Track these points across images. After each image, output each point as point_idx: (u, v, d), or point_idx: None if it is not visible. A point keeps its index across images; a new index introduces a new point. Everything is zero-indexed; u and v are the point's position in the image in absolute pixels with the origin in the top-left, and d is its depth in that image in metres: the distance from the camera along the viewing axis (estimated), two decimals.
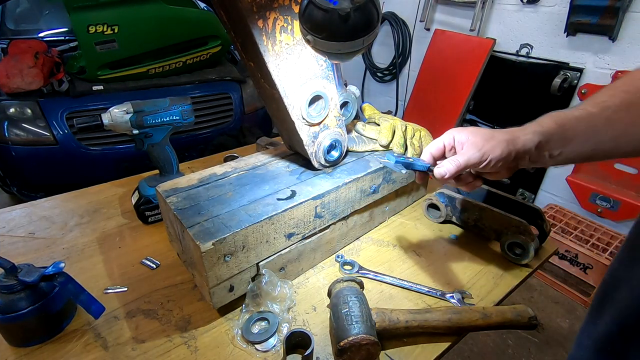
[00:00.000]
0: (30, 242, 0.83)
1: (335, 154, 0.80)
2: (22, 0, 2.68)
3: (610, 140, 0.50)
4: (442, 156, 0.61)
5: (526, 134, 0.53)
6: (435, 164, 0.59)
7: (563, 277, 1.98)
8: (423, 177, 0.63)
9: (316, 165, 0.79)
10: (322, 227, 0.75)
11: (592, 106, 0.50)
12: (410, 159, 0.63)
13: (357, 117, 0.92)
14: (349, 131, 0.89)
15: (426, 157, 0.61)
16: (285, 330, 0.63)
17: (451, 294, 0.71)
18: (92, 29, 1.90)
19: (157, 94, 2.17)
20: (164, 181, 0.73)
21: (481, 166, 0.54)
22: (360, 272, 0.76)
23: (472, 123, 2.52)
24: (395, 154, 0.67)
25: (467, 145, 0.56)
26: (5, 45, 2.08)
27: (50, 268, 0.60)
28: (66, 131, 1.96)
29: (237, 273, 0.63)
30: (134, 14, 1.99)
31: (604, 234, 1.95)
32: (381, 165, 0.81)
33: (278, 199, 0.68)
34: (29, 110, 1.94)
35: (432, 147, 0.61)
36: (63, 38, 2.44)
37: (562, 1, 1.97)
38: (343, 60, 0.62)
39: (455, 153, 0.58)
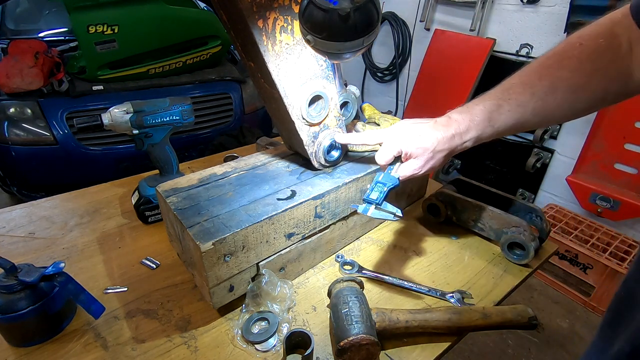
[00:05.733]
0: (30, 242, 0.83)
1: (335, 154, 0.80)
2: (22, 0, 2.68)
3: (534, 124, 0.57)
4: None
5: (466, 140, 0.60)
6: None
7: (563, 277, 1.98)
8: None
9: (316, 165, 0.78)
10: (322, 227, 0.75)
11: (521, 93, 0.57)
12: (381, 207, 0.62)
13: (357, 117, 0.92)
14: (349, 131, 0.88)
15: (383, 162, 0.64)
16: (285, 330, 0.63)
17: (451, 294, 0.71)
18: (92, 29, 1.90)
19: (157, 94, 2.17)
20: (164, 181, 0.73)
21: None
22: (360, 272, 0.76)
23: None
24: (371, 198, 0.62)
25: (416, 156, 0.62)
26: (5, 45, 2.08)
27: (50, 268, 0.60)
28: (66, 131, 1.96)
29: (237, 273, 0.63)
30: (134, 14, 2.00)
31: (604, 234, 1.95)
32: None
33: (278, 199, 0.68)
34: (29, 110, 1.94)
35: (385, 157, 0.63)
36: (63, 38, 2.44)
37: (562, 1, 1.97)
38: (343, 60, 0.62)
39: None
